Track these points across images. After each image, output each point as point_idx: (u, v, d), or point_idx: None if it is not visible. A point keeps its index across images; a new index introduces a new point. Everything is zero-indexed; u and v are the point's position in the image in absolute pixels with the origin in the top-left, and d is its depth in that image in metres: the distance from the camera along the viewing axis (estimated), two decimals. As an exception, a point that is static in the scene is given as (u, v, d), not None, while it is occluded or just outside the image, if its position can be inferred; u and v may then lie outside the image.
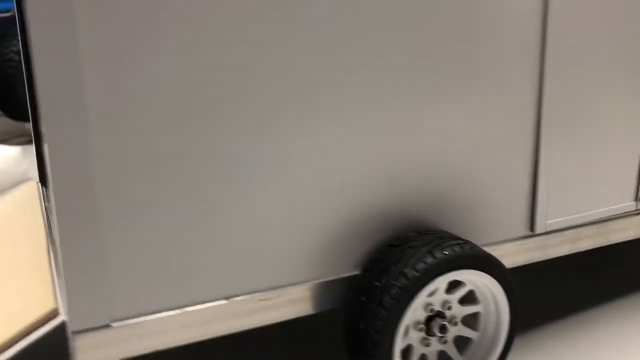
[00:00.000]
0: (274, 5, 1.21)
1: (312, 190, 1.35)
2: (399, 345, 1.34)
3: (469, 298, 1.47)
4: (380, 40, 1.35)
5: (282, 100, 1.27)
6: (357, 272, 1.44)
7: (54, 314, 1.23)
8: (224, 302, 1.30)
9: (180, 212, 1.22)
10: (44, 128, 1.09)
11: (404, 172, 1.45)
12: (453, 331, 1.45)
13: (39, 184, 2.15)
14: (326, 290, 1.43)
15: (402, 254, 1.37)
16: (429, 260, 1.33)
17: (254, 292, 1.34)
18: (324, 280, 1.42)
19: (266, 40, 1.23)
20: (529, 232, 1.68)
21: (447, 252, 1.36)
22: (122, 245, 1.18)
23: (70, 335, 1.16)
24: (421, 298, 1.34)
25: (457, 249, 1.37)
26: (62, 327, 1.22)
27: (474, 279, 1.42)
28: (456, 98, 1.47)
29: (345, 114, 1.35)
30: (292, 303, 1.39)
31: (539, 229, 1.67)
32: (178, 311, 1.25)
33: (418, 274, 1.32)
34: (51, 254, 1.52)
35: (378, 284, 1.35)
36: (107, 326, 1.19)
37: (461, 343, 1.50)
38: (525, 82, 1.56)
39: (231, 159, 1.25)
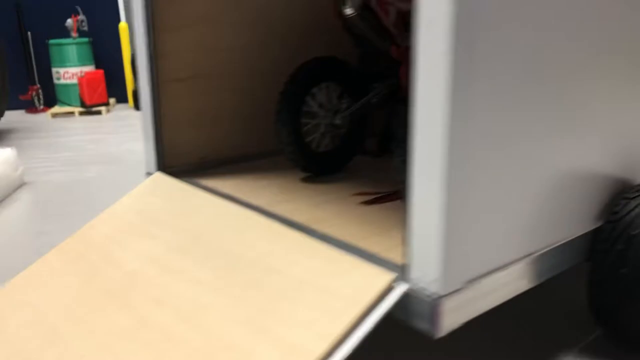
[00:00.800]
0: None
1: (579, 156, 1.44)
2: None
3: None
4: None
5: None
6: (598, 226, 1.55)
7: (389, 287, 1.20)
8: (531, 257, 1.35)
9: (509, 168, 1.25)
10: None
11: (629, 126, 1.59)
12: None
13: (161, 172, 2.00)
14: (570, 248, 1.52)
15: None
16: None
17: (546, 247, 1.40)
18: (574, 237, 1.51)
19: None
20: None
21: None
22: (477, 203, 1.18)
23: (432, 301, 1.15)
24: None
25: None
26: (406, 297, 1.19)
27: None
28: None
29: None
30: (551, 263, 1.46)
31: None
32: (507, 269, 1.28)
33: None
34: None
35: (635, 232, 1.47)
36: (463, 288, 1.19)
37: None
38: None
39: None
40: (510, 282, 1.32)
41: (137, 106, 6.27)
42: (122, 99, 6.66)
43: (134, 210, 1.85)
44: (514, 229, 1.31)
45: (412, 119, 1.11)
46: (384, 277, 1.21)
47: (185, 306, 1.36)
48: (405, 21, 2.11)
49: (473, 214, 1.18)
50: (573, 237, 1.50)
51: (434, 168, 1.09)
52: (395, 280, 1.21)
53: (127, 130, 5.20)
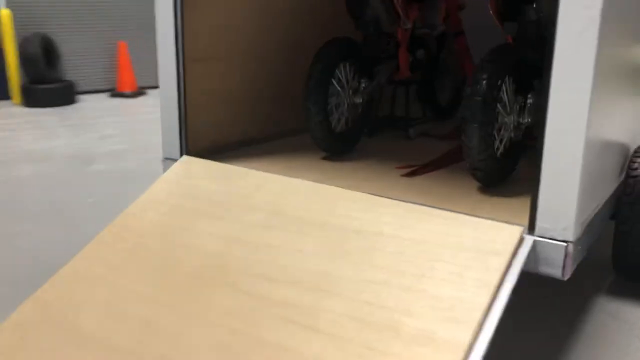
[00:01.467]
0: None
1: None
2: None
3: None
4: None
5: None
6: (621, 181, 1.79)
7: (521, 238, 1.29)
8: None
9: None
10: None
11: None
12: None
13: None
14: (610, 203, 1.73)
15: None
16: None
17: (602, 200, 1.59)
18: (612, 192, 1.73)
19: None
20: None
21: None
22: (594, 155, 1.33)
23: (565, 247, 1.27)
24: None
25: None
26: (534, 247, 1.30)
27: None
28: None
29: None
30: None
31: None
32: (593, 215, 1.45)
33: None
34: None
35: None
36: (582, 232, 1.33)
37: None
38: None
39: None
40: (597, 227, 1.50)
41: (27, 103, 5.70)
42: (1, 95, 5.99)
43: (177, 195, 1.75)
44: (597, 178, 1.47)
45: (550, 81, 1.22)
46: (513, 229, 1.30)
47: (302, 277, 1.34)
48: (409, 5, 2.22)
49: (592, 164, 1.32)
50: (612, 192, 1.71)
51: (578, 125, 1.21)
52: (523, 232, 1.31)
53: (31, 127, 4.72)
